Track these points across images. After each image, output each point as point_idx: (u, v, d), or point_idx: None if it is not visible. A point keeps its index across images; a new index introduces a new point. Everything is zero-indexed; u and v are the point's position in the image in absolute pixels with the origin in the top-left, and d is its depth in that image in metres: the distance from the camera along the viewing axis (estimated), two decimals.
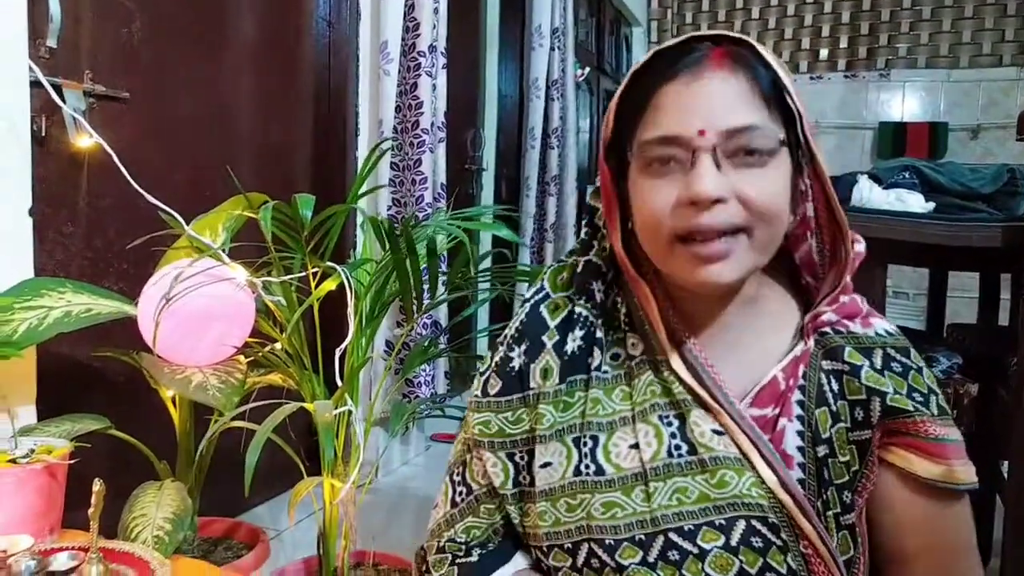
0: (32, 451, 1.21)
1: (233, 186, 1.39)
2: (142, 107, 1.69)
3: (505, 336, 0.83)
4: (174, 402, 1.42)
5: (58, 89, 1.43)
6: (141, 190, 1.22)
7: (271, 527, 2.02)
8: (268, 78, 2.09)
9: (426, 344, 1.48)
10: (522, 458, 0.77)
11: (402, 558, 1.45)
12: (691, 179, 0.67)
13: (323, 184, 2.23)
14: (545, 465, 0.75)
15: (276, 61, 2.12)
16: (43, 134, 1.44)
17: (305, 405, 1.14)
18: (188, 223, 1.34)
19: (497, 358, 0.82)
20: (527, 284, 3.29)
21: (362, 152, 2.33)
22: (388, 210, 2.26)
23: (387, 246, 1.17)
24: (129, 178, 1.22)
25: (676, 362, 0.74)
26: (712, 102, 0.68)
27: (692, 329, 0.76)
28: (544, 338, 0.79)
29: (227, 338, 1.21)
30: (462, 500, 0.81)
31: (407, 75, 2.24)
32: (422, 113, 2.23)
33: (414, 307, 1.20)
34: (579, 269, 0.82)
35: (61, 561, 1.08)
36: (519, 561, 0.78)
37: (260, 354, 1.22)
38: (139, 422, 1.40)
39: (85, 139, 1.51)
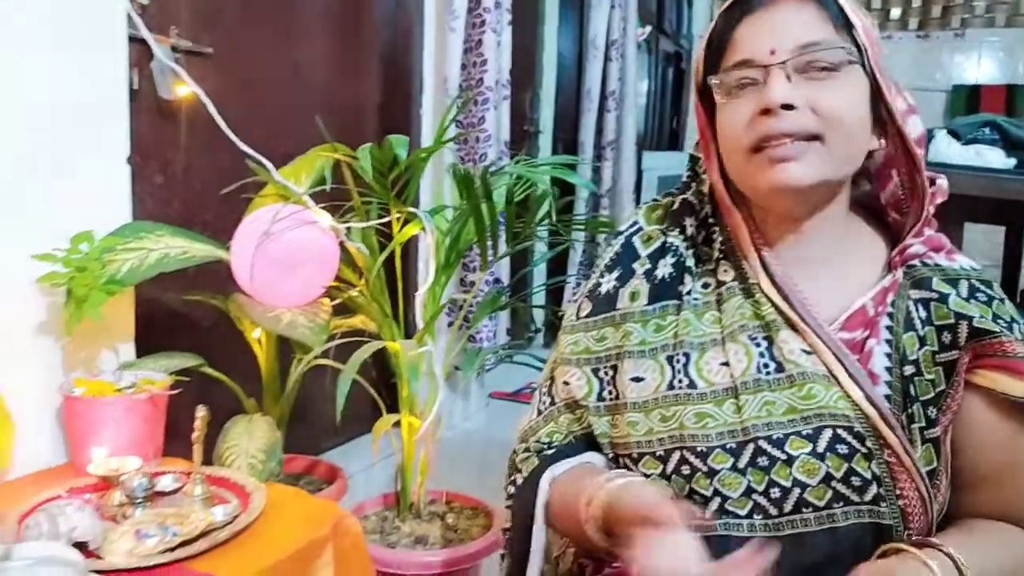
0: (135, 384, 1.31)
1: (307, 139, 1.44)
2: (224, 63, 1.75)
3: (597, 266, 0.90)
4: (260, 343, 1.50)
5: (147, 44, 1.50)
6: (234, 138, 1.28)
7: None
8: (338, 36, 2.13)
9: (495, 295, 1.52)
10: (606, 373, 0.84)
11: (473, 497, 1.51)
12: (765, 90, 0.73)
13: None
14: (637, 379, 0.80)
15: (346, 19, 2.16)
16: (135, 87, 1.51)
17: (388, 344, 1.19)
18: (263, 177, 1.39)
19: (589, 285, 0.89)
20: (587, 242, 3.30)
21: (427, 109, 2.36)
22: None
23: (466, 193, 1.20)
24: (224, 127, 1.27)
25: (766, 285, 0.79)
26: (782, 26, 0.74)
27: (781, 256, 0.81)
28: (635, 265, 0.86)
29: (313, 281, 1.27)
30: (545, 409, 0.89)
31: (472, 31, 2.25)
32: (486, 70, 2.25)
33: (489, 253, 1.24)
34: (674, 207, 0.88)
35: (167, 482, 1.16)
36: (586, 456, 0.85)
37: (345, 296, 1.28)
38: (225, 361, 1.48)
39: (172, 92, 1.58)
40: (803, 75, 0.73)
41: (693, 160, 0.89)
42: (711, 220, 0.86)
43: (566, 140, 3.64)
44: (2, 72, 1.18)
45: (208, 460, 1.23)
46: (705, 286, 0.83)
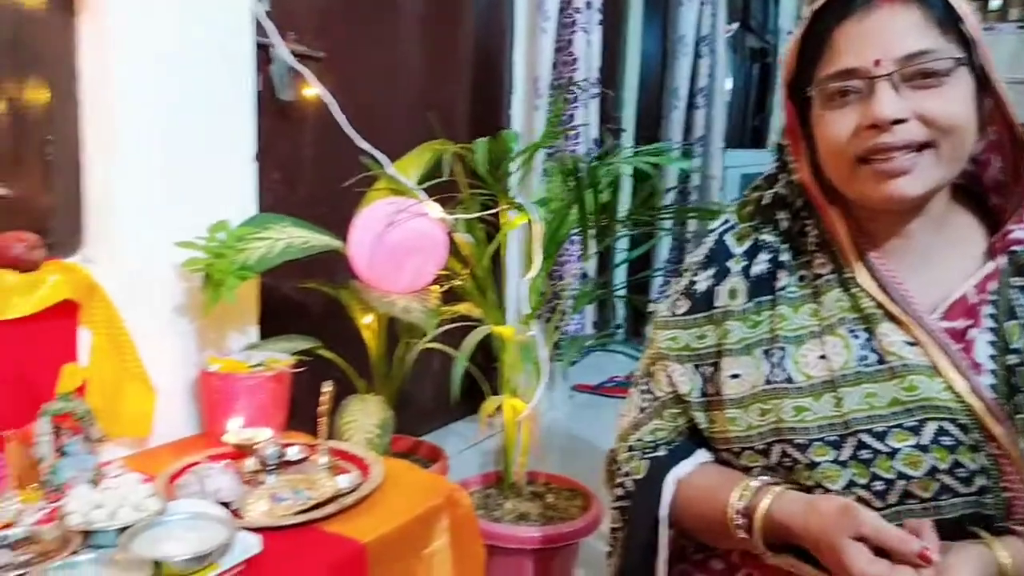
0: (262, 363, 1.41)
1: (404, 137, 1.52)
2: (334, 65, 1.85)
3: (690, 264, 0.90)
4: (370, 328, 1.59)
5: (267, 49, 1.62)
6: (354, 135, 1.37)
7: None
8: (433, 39, 2.22)
9: (594, 286, 1.56)
10: (706, 370, 0.84)
11: (571, 479, 1.56)
12: (870, 104, 0.72)
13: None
14: (734, 376, 0.81)
15: (441, 23, 2.25)
16: (259, 89, 1.63)
17: (496, 330, 1.25)
18: (382, 168, 1.48)
19: (684, 283, 0.89)
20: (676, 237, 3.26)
21: (516, 109, 2.43)
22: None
23: (570, 183, 1.25)
24: (346, 126, 1.37)
25: (864, 278, 0.78)
26: (885, 33, 0.72)
27: (879, 248, 0.80)
28: (730, 263, 0.86)
29: (424, 269, 1.35)
30: (648, 406, 0.89)
31: (563, 32, 2.30)
32: (576, 68, 2.30)
33: (592, 242, 1.28)
34: (765, 201, 0.88)
35: (294, 452, 1.26)
36: (701, 455, 0.86)
37: (453, 284, 1.35)
38: (336, 345, 1.58)
39: (290, 94, 1.70)
40: (909, 83, 0.71)
41: (780, 149, 0.88)
42: (803, 212, 0.85)
43: (648, 139, 3.64)
44: (152, 78, 1.31)
45: (325, 435, 1.32)
46: (801, 279, 0.82)
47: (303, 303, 1.78)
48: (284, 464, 1.22)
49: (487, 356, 1.56)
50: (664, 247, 3.47)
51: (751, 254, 0.85)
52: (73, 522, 0.96)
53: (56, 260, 1.24)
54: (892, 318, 0.76)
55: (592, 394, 2.97)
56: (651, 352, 0.91)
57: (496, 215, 1.35)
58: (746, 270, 0.84)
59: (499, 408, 1.41)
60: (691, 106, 3.54)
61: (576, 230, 1.41)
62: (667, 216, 1.45)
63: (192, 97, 1.38)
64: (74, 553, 0.90)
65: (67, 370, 1.17)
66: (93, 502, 1.00)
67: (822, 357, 0.77)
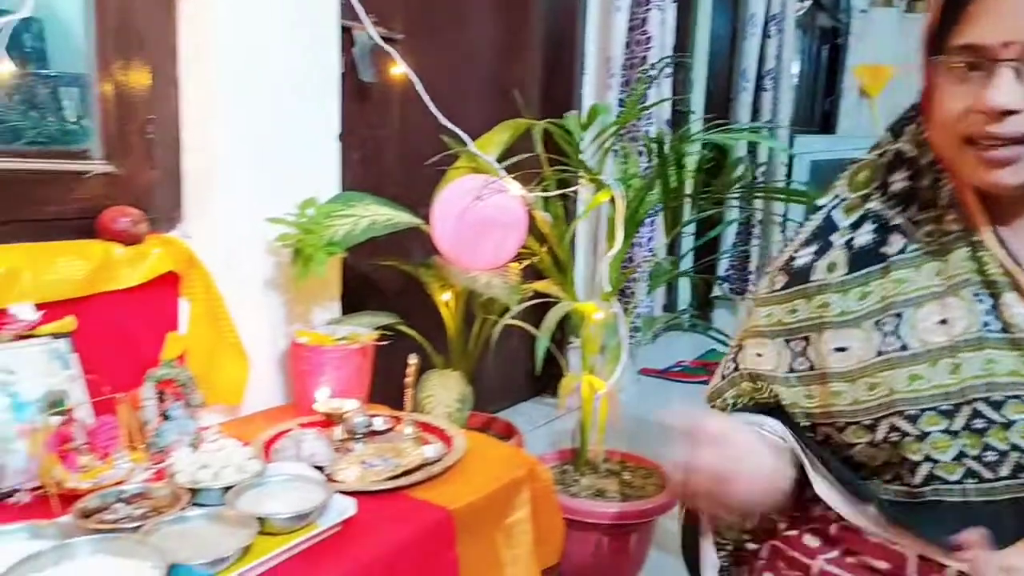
0: (346, 336, 1.46)
1: (478, 117, 1.53)
2: (412, 47, 1.88)
3: (794, 239, 0.89)
4: (447, 305, 1.62)
5: (350, 31, 1.65)
6: (438, 114, 1.39)
7: None
8: (505, 19, 2.23)
9: (669, 265, 1.55)
10: (798, 345, 0.83)
11: (647, 458, 1.57)
12: (987, 89, 0.69)
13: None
14: (840, 349, 0.80)
15: (513, 4, 2.26)
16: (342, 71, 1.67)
17: (578, 307, 1.26)
18: (463, 146, 1.50)
19: (784, 258, 0.88)
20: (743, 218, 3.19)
21: (587, 90, 2.42)
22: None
23: (652, 160, 1.24)
24: (431, 105, 1.39)
25: (992, 243, 0.76)
26: (1021, 14, 0.68)
27: (1009, 216, 0.77)
28: (834, 237, 0.84)
29: (505, 246, 1.36)
30: (729, 375, 0.91)
31: (637, 10, 2.28)
32: (651, 47, 2.27)
33: (674, 219, 1.27)
34: (883, 159, 0.85)
35: (380, 422, 1.30)
36: (770, 420, 0.85)
37: (531, 261, 1.36)
38: (412, 322, 1.62)
39: (371, 75, 1.73)
40: None
41: (914, 106, 0.84)
42: (937, 167, 0.81)
43: (716, 121, 3.57)
44: (245, 60, 1.35)
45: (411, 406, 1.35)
46: (928, 234, 0.80)
47: (380, 281, 1.83)
48: (370, 433, 1.26)
49: (558, 335, 1.57)
50: (730, 232, 3.41)
51: (856, 226, 0.83)
52: (181, 480, 1.01)
53: (158, 234, 1.30)
54: (1017, 288, 0.74)
55: (659, 378, 2.95)
56: (745, 326, 0.91)
57: (571, 193, 1.36)
58: (849, 243, 0.83)
59: (577, 386, 1.42)
60: (759, 88, 3.47)
61: (655, 209, 1.41)
62: (757, 195, 1.42)
63: (282, 77, 1.42)
64: (183, 509, 0.95)
65: (171, 338, 1.23)
66: (199, 462, 1.05)
67: (942, 322, 0.75)
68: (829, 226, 0.85)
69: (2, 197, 1.15)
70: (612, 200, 1.32)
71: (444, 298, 1.61)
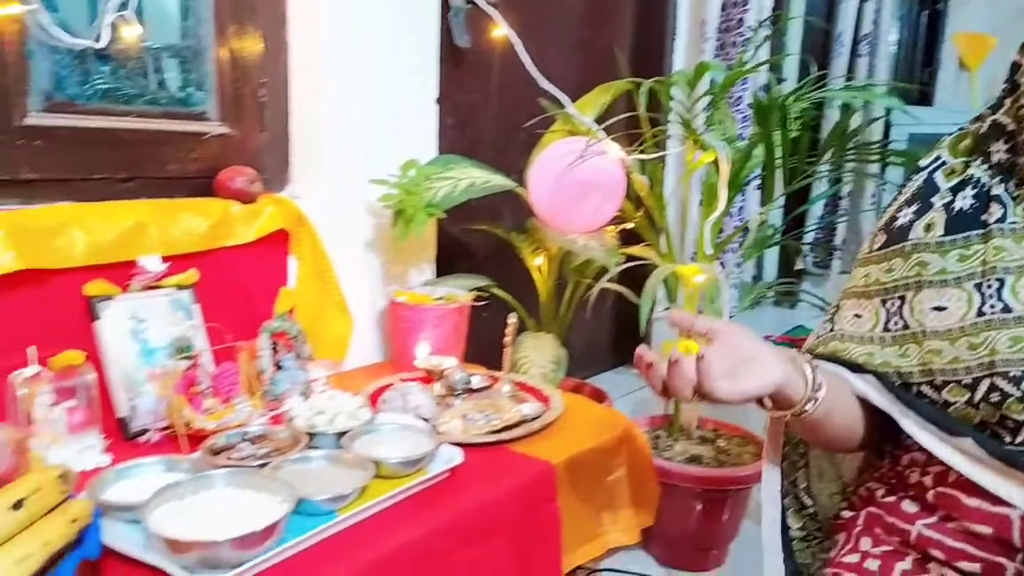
0: (443, 297, 1.49)
1: (569, 78, 1.51)
2: (505, 12, 1.88)
3: (895, 200, 0.89)
4: (540, 270, 1.63)
5: None
6: (538, 75, 1.39)
7: None
8: None
9: (769, 232, 1.51)
10: (893, 304, 0.83)
11: (743, 427, 1.55)
12: None
13: None
14: (939, 308, 0.80)
15: None
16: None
17: (679, 269, 1.25)
18: (561, 109, 1.50)
19: (885, 219, 0.89)
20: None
21: (678, 55, 2.36)
22: None
23: (762, 121, 1.21)
24: (532, 67, 1.39)
25: None
26: None
27: None
28: (934, 199, 0.84)
29: (603, 208, 1.36)
30: (824, 335, 0.91)
31: None
32: (748, 9, 2.20)
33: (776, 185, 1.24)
34: (983, 130, 0.84)
35: (478, 380, 1.32)
36: (850, 375, 0.85)
37: (629, 224, 1.35)
38: (503, 286, 1.64)
39: (465, 40, 1.74)
40: None
41: (1013, 69, 0.82)
42: None
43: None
44: (350, 26, 1.39)
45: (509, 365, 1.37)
46: None
47: (471, 245, 1.85)
48: (468, 391, 1.29)
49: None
50: (817, 206, 3.29)
51: (957, 190, 0.83)
52: (299, 425, 1.06)
53: (270, 194, 1.35)
54: None
55: None
56: (845, 287, 0.91)
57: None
58: (948, 205, 0.83)
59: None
60: (854, 54, 3.31)
61: (752, 175, 1.38)
62: (871, 159, 1.37)
63: (384, 42, 1.45)
64: (303, 451, 1.00)
65: (284, 292, 1.28)
66: (315, 409, 1.10)
67: None
68: (930, 188, 0.85)
69: (129, 155, 1.22)
70: (714, 162, 1.30)
71: (536, 263, 1.62)
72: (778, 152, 1.29)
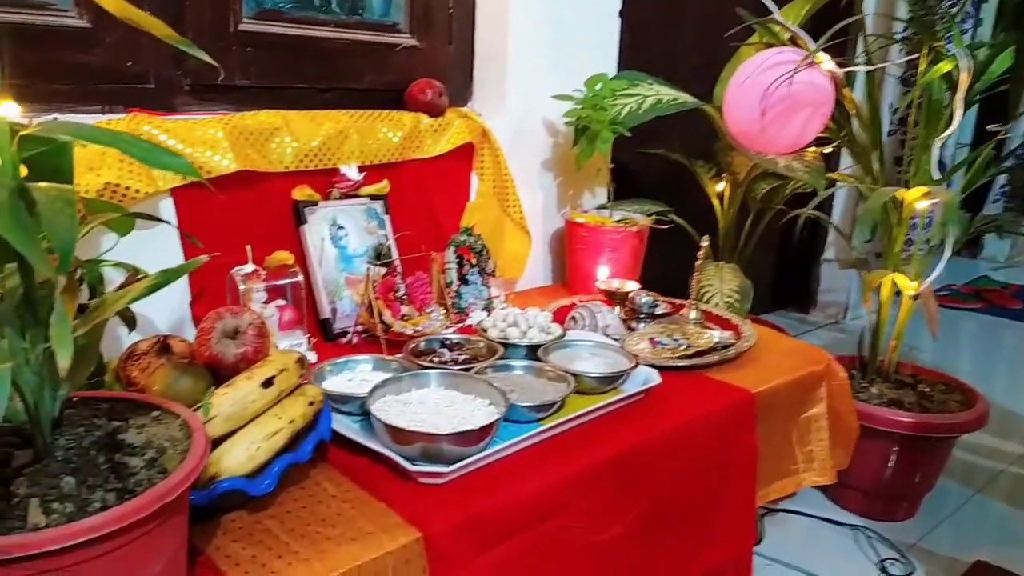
0: (622, 220, 1.43)
1: None
2: None
3: None
4: (721, 197, 1.54)
5: None
6: None
7: None
8: None
9: (985, 161, 1.33)
10: None
11: (948, 374, 1.41)
12: None
13: None
14: None
15: None
16: None
17: (901, 192, 1.12)
18: (753, 22, 1.37)
19: None
20: None
21: None
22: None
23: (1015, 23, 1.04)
24: None
25: None
26: None
27: None
28: None
29: (809, 126, 1.24)
30: None
31: None
32: None
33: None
34: None
35: (660, 306, 1.27)
36: None
37: (836, 144, 1.23)
38: (679, 213, 1.56)
39: None
40: None
41: None
42: None
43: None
44: None
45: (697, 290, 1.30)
46: None
47: (642, 171, 1.77)
48: (652, 315, 1.24)
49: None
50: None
51: None
52: (493, 335, 1.06)
53: (456, 108, 1.34)
54: None
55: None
56: None
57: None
58: None
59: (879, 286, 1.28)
60: None
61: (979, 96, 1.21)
62: None
63: None
64: (500, 359, 0.99)
65: (470, 207, 1.28)
66: (508, 321, 1.09)
67: None
68: None
69: (326, 67, 1.23)
70: (947, 75, 1.14)
71: (718, 188, 1.53)
72: None
